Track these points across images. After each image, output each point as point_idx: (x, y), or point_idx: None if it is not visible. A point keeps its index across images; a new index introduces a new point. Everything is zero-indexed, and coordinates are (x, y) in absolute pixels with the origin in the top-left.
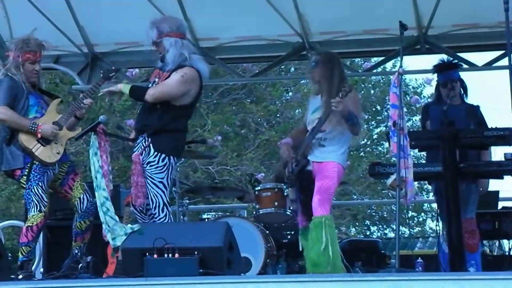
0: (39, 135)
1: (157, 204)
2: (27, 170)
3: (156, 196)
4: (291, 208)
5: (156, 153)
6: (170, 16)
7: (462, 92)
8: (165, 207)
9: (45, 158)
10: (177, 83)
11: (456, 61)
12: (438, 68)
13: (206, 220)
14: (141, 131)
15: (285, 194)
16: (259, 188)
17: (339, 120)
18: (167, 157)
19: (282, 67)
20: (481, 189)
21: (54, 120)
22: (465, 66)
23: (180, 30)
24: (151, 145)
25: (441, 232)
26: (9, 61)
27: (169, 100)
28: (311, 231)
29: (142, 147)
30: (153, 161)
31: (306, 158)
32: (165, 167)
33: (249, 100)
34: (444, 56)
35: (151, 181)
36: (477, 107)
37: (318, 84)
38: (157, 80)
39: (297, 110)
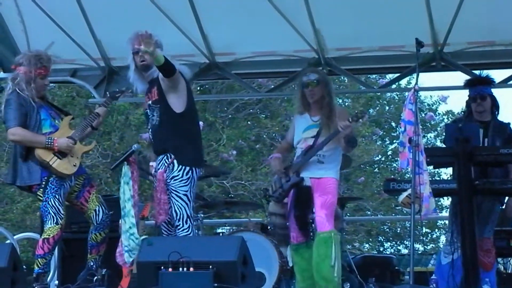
0: (56, 149)
1: (181, 216)
2: (44, 183)
3: (180, 208)
4: (270, 222)
5: (180, 167)
6: None
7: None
8: (188, 219)
9: (63, 170)
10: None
11: (489, 76)
12: (469, 83)
13: (221, 234)
14: (162, 153)
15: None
16: None
17: (337, 138)
18: (190, 170)
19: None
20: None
21: (68, 135)
22: None
23: None
24: (175, 161)
25: (444, 244)
26: (18, 75)
27: (171, 108)
28: (319, 246)
29: (166, 164)
30: (177, 175)
31: (299, 176)
32: (189, 180)
33: (264, 115)
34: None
35: (175, 194)
36: (508, 124)
37: (314, 102)
38: (150, 102)
39: None
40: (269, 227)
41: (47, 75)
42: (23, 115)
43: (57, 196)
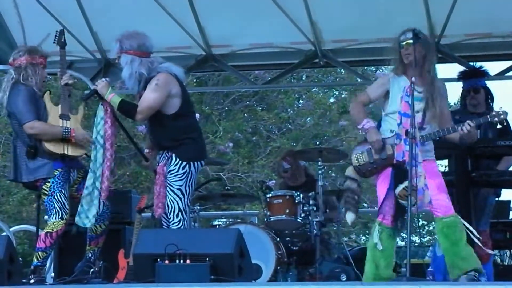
0: (73, 140)
1: (172, 210)
2: (50, 177)
3: (172, 202)
4: (344, 184)
5: (177, 161)
6: (137, 33)
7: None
8: (180, 213)
9: (77, 153)
10: (154, 91)
11: (483, 68)
12: (463, 75)
13: (217, 226)
14: (161, 149)
15: (296, 201)
16: (270, 195)
17: (434, 115)
18: (187, 165)
19: (294, 74)
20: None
21: (60, 113)
22: None
23: (141, 49)
24: (173, 155)
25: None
26: (22, 63)
27: (161, 111)
28: (449, 233)
29: (166, 158)
30: (174, 169)
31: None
32: (185, 175)
33: (260, 107)
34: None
35: (170, 188)
36: None
37: (411, 66)
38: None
39: (308, 118)
40: (341, 189)
41: (46, 67)
42: (36, 107)
43: (63, 191)
